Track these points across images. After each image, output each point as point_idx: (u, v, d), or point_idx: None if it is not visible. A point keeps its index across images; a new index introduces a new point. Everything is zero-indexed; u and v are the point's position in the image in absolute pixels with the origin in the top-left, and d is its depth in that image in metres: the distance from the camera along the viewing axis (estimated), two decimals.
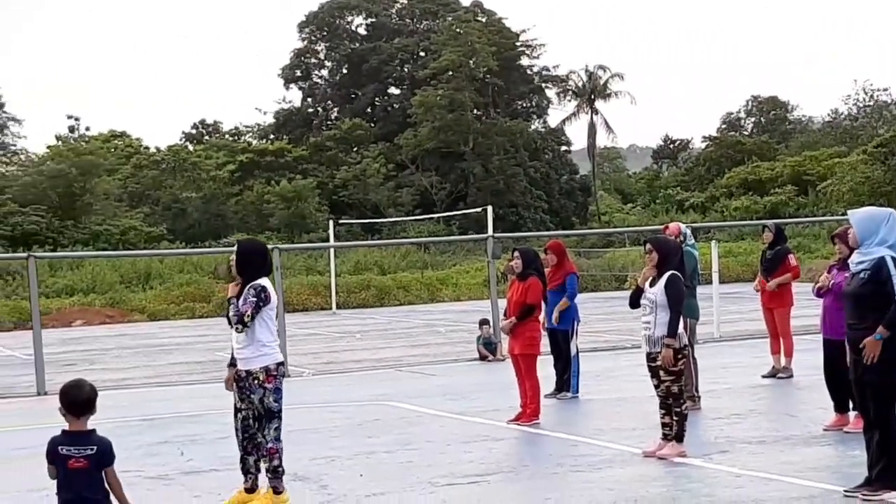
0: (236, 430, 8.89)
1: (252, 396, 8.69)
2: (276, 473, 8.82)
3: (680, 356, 10.01)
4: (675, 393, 10.01)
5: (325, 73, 77.61)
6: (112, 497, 6.22)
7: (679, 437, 10.06)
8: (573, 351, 14.30)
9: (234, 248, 9.06)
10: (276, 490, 8.84)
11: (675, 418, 10.04)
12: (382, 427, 12.76)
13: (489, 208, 36.35)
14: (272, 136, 74.64)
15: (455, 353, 21.07)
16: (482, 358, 19.45)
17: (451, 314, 33.85)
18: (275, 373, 8.77)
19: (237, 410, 8.85)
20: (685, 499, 8.52)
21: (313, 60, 76.79)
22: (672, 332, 9.94)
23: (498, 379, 12.76)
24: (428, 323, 30.88)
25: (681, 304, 10.06)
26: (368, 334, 27.96)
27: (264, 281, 8.80)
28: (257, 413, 8.74)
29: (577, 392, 14.35)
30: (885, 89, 77.00)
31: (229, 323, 8.76)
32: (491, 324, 19.72)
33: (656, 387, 10.15)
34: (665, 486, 9.03)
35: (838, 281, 10.34)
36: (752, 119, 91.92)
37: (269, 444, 8.79)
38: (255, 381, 8.69)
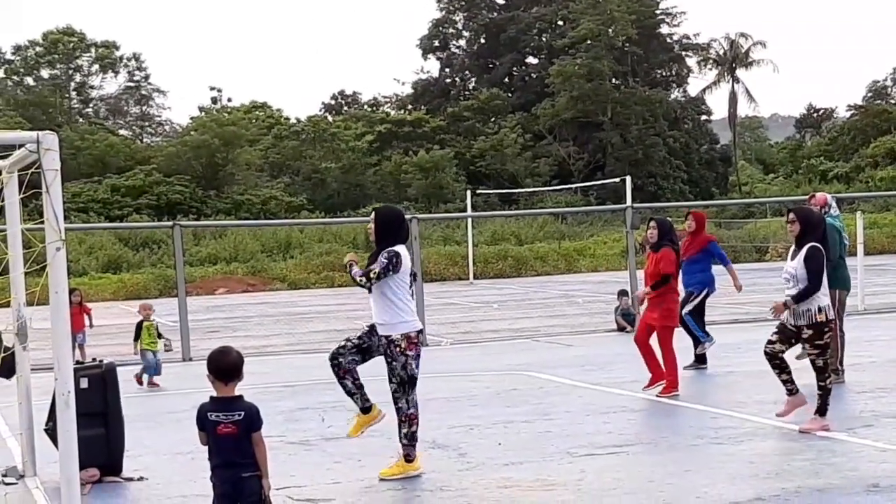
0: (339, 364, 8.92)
1: (394, 363, 8.80)
2: (412, 440, 8.92)
3: (826, 329, 9.82)
4: (819, 366, 9.83)
5: (462, 43, 77.73)
6: None
7: (822, 411, 9.89)
8: (686, 309, 14.05)
9: (371, 215, 9.14)
10: (409, 458, 8.94)
11: (818, 392, 9.87)
12: (520, 397, 12.79)
13: (628, 178, 36.09)
14: (410, 107, 75.12)
15: (593, 324, 21.01)
16: (620, 329, 19.35)
17: (589, 285, 33.73)
18: (415, 340, 8.86)
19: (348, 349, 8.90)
20: (828, 473, 8.38)
21: (451, 30, 76.95)
22: (799, 298, 9.74)
23: (636, 350, 12.66)
24: (565, 293, 30.81)
25: (819, 276, 9.87)
26: (505, 304, 28.02)
27: (399, 248, 8.88)
28: (400, 380, 8.84)
29: (711, 338, 14.22)
30: None
31: (361, 285, 8.87)
32: (629, 295, 19.61)
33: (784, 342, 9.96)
34: (807, 459, 8.89)
35: None
36: None
37: (411, 410, 8.90)
38: (398, 349, 8.79)
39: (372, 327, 8.94)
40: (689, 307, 14.18)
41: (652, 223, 12.83)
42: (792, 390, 10.00)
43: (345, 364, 8.89)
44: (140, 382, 14.81)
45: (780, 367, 9.95)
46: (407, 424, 8.91)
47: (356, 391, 9.00)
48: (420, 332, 8.97)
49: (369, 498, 8.49)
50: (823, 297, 9.84)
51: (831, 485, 8.00)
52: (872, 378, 12.88)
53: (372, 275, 8.73)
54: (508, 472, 8.94)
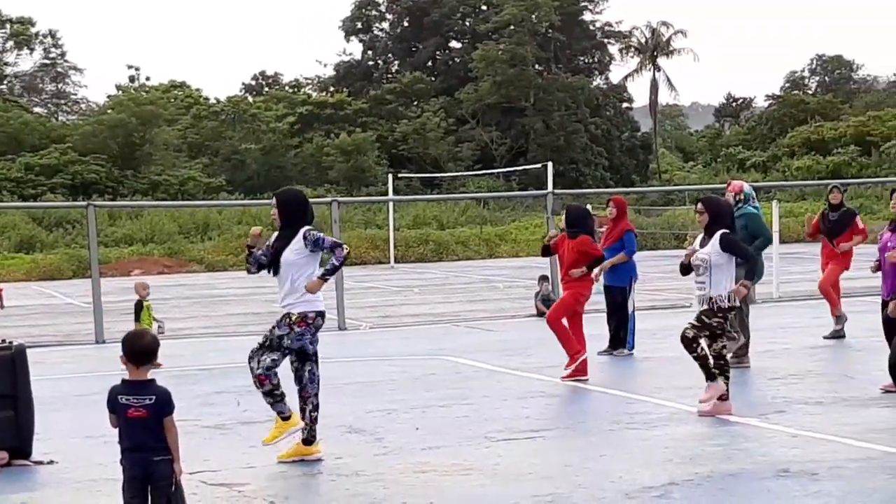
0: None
1: (276, 331, 8.77)
2: (313, 421, 8.92)
3: (722, 315, 9.97)
4: (688, 337, 9.96)
5: (385, 25, 77.42)
6: None
7: (710, 377, 10.01)
8: (630, 308, 14.23)
9: (273, 199, 9.08)
10: (308, 441, 8.92)
11: (697, 363, 10.03)
12: (439, 381, 12.79)
13: (549, 164, 36.22)
14: (332, 89, 74.64)
15: (513, 309, 21.06)
16: (540, 314, 19.36)
17: (510, 270, 33.85)
18: (311, 321, 8.79)
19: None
20: (740, 458, 8.47)
21: (374, 13, 76.59)
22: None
23: (552, 331, 12.70)
24: (486, 278, 30.89)
25: (745, 251, 10.23)
26: (426, 289, 28.02)
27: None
28: (293, 354, 8.83)
29: (633, 349, 14.29)
30: None
31: (252, 271, 9.05)
32: (550, 280, 19.66)
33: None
34: (720, 444, 8.98)
35: (891, 241, 10.22)
36: (816, 78, 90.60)
37: (307, 389, 8.90)
38: (287, 320, 8.76)
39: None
40: (631, 305, 14.25)
41: (570, 209, 12.93)
42: (710, 375, 10.09)
43: (260, 367, 8.83)
44: None
45: (695, 352, 10.04)
46: (306, 403, 8.88)
47: (275, 400, 8.90)
48: (320, 314, 8.89)
49: (283, 483, 8.43)
50: (730, 285, 9.98)
51: (743, 469, 8.09)
52: (785, 365, 13.06)
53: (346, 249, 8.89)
54: (425, 456, 8.92)
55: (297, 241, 8.81)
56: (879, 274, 11.34)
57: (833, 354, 14.11)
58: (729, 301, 9.95)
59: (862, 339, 14.30)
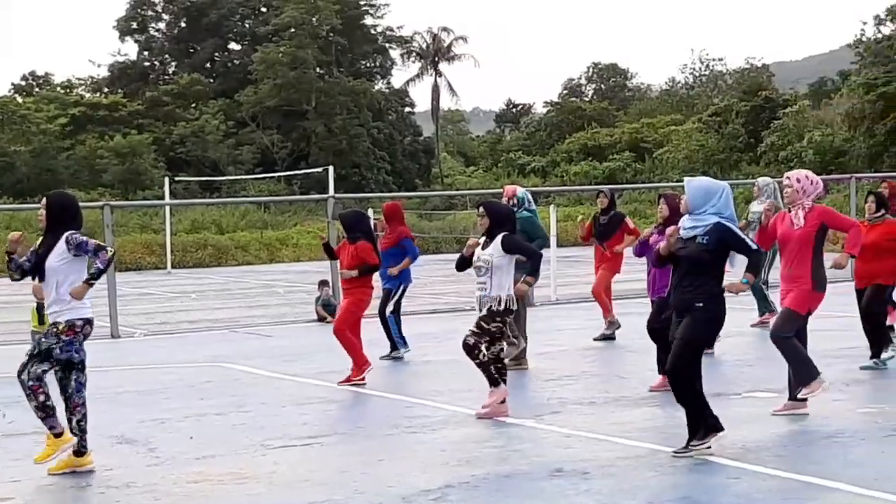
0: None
1: (44, 341, 8.47)
2: (83, 431, 8.63)
3: (499, 319, 10.09)
4: (469, 344, 10.04)
5: (162, 26, 75.83)
6: None
7: (493, 383, 10.12)
8: (389, 308, 14.20)
9: (42, 201, 8.75)
10: (79, 451, 8.62)
11: (480, 370, 10.12)
12: (216, 389, 12.55)
13: (331, 168, 36.13)
14: (106, 90, 72.66)
15: (293, 315, 20.88)
16: (320, 319, 19.27)
17: (291, 275, 33.59)
18: (79, 329, 8.51)
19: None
20: (515, 459, 8.58)
21: (150, 13, 74.92)
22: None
23: (336, 341, 12.64)
24: (266, 283, 30.58)
25: (529, 249, 10.41)
26: (204, 294, 27.54)
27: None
28: (60, 364, 8.53)
29: (406, 347, 14.30)
30: (721, 59, 79.30)
31: (15, 278, 8.74)
32: (330, 285, 19.57)
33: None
34: (497, 446, 9.08)
35: (657, 242, 10.53)
36: (593, 85, 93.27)
37: (74, 398, 8.61)
38: (54, 330, 8.46)
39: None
40: (391, 306, 14.24)
41: (342, 216, 12.98)
42: (493, 381, 10.18)
43: (31, 378, 8.48)
44: None
45: (478, 359, 10.10)
46: (73, 413, 8.58)
47: (47, 414, 8.54)
48: (88, 321, 8.60)
49: (51, 496, 8.12)
50: (509, 288, 10.10)
51: (518, 471, 8.19)
52: (561, 366, 13.32)
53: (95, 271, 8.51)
54: (200, 465, 8.72)
55: (61, 246, 8.51)
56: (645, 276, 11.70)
57: (606, 355, 14.47)
58: (507, 304, 10.06)
59: (634, 340, 14.70)
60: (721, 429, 8.45)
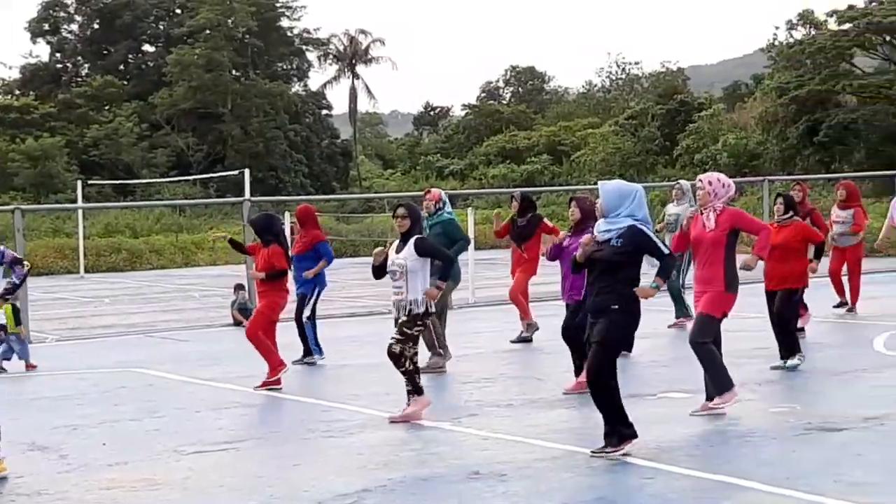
0: None
1: None
2: None
3: (420, 322, 10.08)
4: (395, 353, 10.00)
5: (75, 27, 74.86)
6: None
7: (417, 391, 10.12)
8: (306, 314, 14.12)
9: None
10: None
11: (404, 377, 10.10)
12: (130, 394, 12.38)
13: (246, 171, 35.93)
14: (18, 92, 71.46)
15: (209, 319, 20.69)
16: (237, 323, 19.10)
17: (207, 279, 33.31)
18: None
19: None
20: (433, 462, 8.57)
21: (62, 14, 73.90)
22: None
23: (250, 345, 12.53)
24: (181, 287, 30.28)
25: (442, 253, 10.44)
26: (119, 299, 27.21)
27: None
28: None
29: (321, 354, 14.22)
30: (637, 63, 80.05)
31: None
32: (246, 288, 19.42)
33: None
34: (414, 450, 9.06)
35: (571, 245, 10.60)
36: (511, 89, 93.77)
37: None
38: None
39: None
40: (307, 311, 14.14)
41: (253, 221, 12.93)
42: (417, 390, 10.14)
43: None
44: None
45: (403, 367, 10.06)
46: None
47: None
48: (2, 327, 8.49)
49: None
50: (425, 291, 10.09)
51: (435, 474, 8.18)
52: (479, 368, 13.32)
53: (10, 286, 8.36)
54: (112, 472, 8.60)
55: None
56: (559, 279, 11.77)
57: (523, 358, 14.51)
58: (425, 306, 10.04)
59: (551, 342, 14.72)
60: (635, 436, 8.50)
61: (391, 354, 10.03)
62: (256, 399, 11.94)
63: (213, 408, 11.34)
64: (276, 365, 12.35)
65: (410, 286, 10.02)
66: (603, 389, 8.49)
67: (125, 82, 71.10)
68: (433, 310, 10.29)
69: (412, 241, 10.10)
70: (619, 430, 8.47)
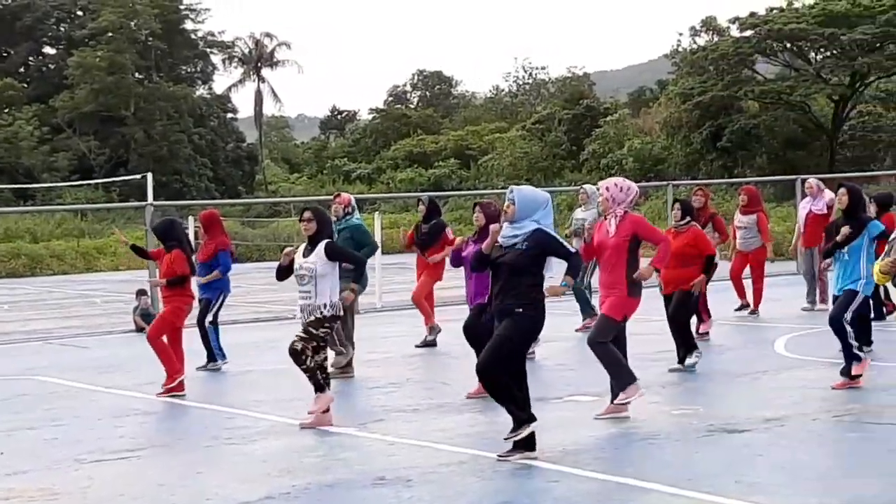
0: None
1: None
2: None
3: (328, 325, 10.02)
4: (297, 350, 9.94)
5: None
6: None
7: (320, 389, 10.04)
8: (208, 319, 13.96)
9: None
10: None
11: (306, 375, 10.03)
12: (29, 403, 12.12)
13: (150, 175, 35.31)
14: None
15: (111, 325, 20.37)
16: (139, 329, 18.80)
17: (109, 284, 32.81)
18: None
19: None
20: (338, 468, 8.50)
21: None
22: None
23: (152, 349, 12.35)
24: (83, 293, 29.79)
25: (354, 256, 10.51)
26: (18, 305, 26.69)
27: None
28: None
29: (225, 358, 14.05)
30: (544, 68, 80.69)
31: None
32: (149, 294, 19.14)
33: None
34: (319, 456, 8.99)
35: (471, 252, 10.60)
36: (418, 93, 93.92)
37: None
38: None
39: None
40: (210, 316, 13.96)
41: (155, 227, 12.75)
42: (319, 387, 10.05)
43: None
44: None
45: (304, 364, 9.98)
46: None
47: None
48: None
49: None
50: (334, 294, 10.02)
51: (340, 480, 8.12)
52: (385, 373, 13.28)
53: None
54: (10, 482, 8.40)
55: None
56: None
57: (429, 362, 14.48)
58: (333, 310, 9.99)
59: (456, 346, 14.72)
60: (533, 419, 8.49)
61: (293, 352, 9.95)
62: (158, 406, 11.76)
63: (114, 415, 11.15)
64: (173, 371, 12.20)
65: (319, 290, 9.94)
66: (495, 382, 8.52)
67: (25, 85, 69.92)
68: (340, 313, 10.24)
69: (322, 245, 10.02)
70: (515, 414, 8.48)
